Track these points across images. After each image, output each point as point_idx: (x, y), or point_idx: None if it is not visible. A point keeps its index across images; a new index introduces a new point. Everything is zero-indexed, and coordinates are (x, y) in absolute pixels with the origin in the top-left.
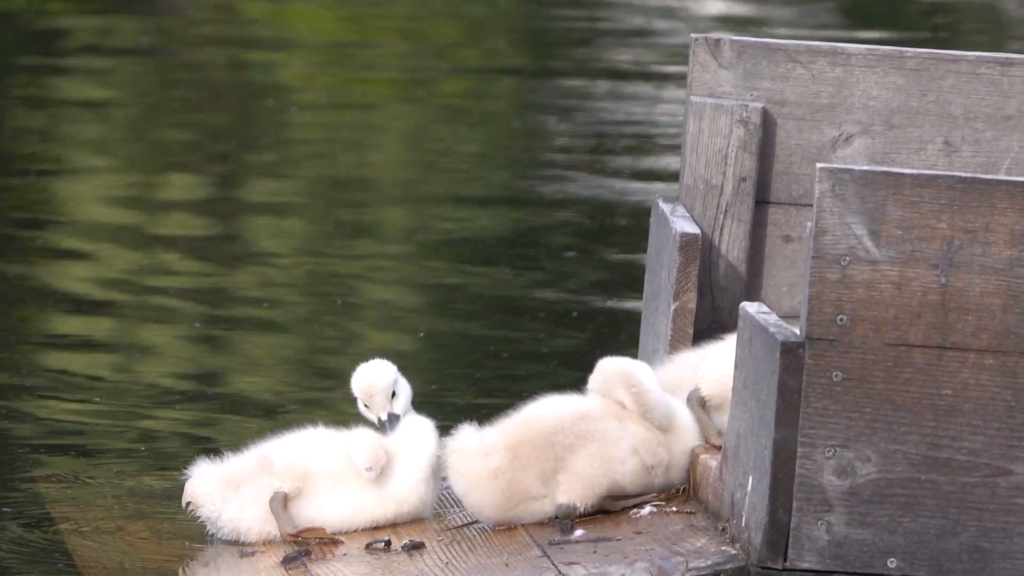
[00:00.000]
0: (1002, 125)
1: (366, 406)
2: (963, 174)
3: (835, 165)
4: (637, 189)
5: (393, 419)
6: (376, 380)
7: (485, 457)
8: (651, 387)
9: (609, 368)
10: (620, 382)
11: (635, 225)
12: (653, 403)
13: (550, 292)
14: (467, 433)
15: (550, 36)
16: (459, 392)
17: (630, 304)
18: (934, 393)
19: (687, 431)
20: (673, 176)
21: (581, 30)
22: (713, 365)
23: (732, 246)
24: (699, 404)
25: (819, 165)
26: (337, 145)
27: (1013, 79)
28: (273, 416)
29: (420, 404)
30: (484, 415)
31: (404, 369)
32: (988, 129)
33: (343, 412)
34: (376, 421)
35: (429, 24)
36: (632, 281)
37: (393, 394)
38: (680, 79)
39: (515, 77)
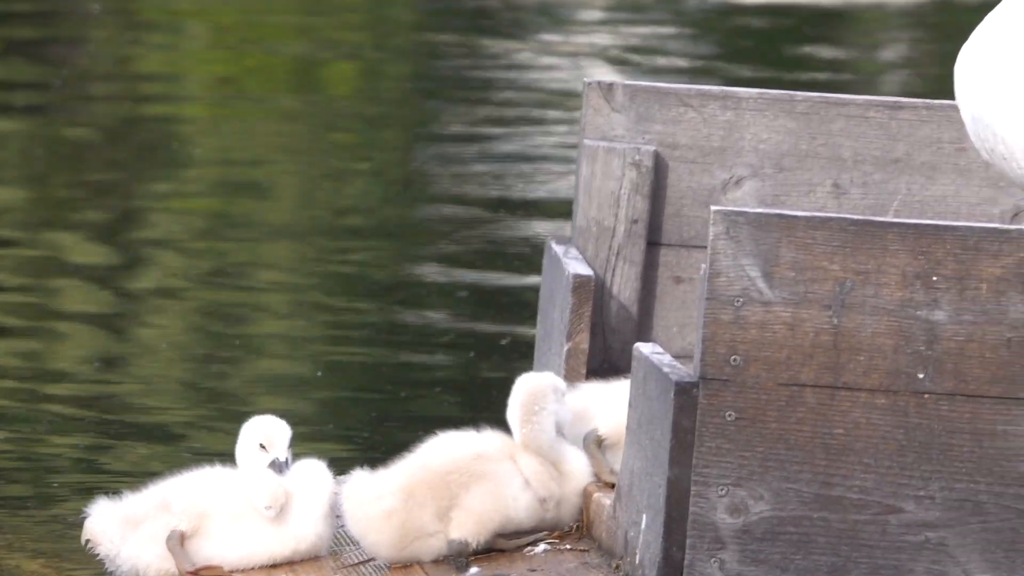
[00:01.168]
0: (890, 168)
1: (262, 447)
2: (855, 216)
3: (729, 207)
4: (529, 229)
5: (287, 461)
6: (275, 425)
7: (377, 500)
8: (564, 409)
9: (535, 381)
10: (543, 395)
11: (528, 265)
12: (560, 422)
13: (445, 327)
14: (359, 478)
15: (443, 71)
16: (355, 426)
17: (524, 341)
18: (826, 432)
19: (579, 468)
20: (565, 215)
21: (475, 67)
22: (612, 404)
23: (624, 287)
24: (596, 443)
25: (713, 208)
26: (229, 187)
27: (901, 122)
28: (170, 446)
29: (317, 437)
30: (380, 449)
31: (301, 401)
32: (877, 172)
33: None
34: (272, 463)
35: (325, 70)
36: (526, 319)
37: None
38: (566, 121)
39: (406, 112)
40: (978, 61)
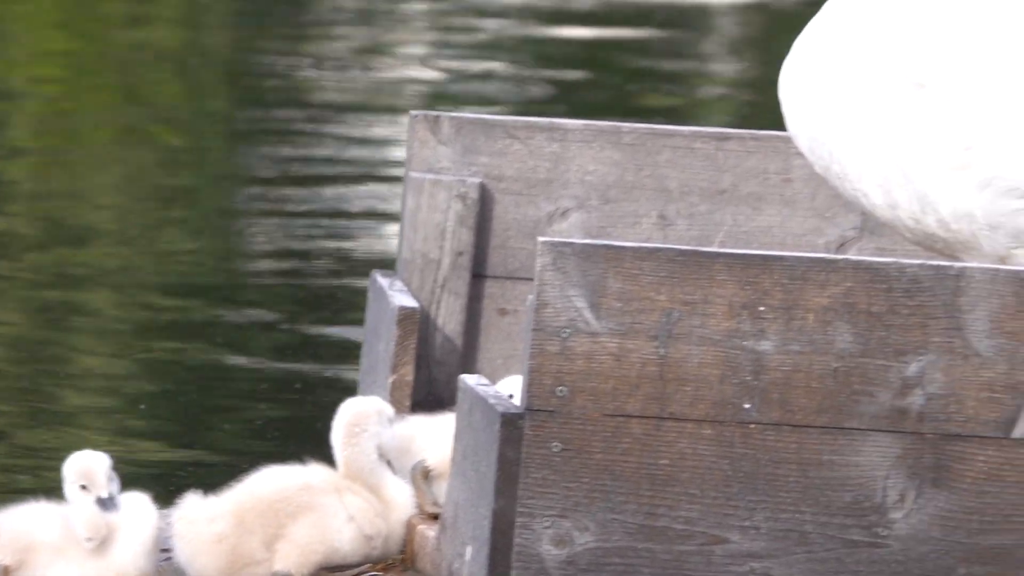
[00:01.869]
0: (716, 199)
1: (83, 487)
2: (682, 247)
3: (556, 239)
4: (353, 261)
5: (112, 497)
6: (95, 462)
7: (210, 523)
8: (387, 433)
9: (358, 404)
10: (365, 417)
11: (353, 301)
12: (383, 446)
13: (269, 365)
14: (192, 501)
15: (266, 97)
16: (178, 462)
17: (348, 376)
18: (651, 463)
19: (401, 497)
20: (387, 248)
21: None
22: (438, 436)
23: (449, 319)
24: (422, 475)
25: (540, 239)
26: (48, 220)
27: (727, 153)
28: None
29: (140, 472)
30: (204, 484)
31: (124, 437)
32: (703, 203)
33: (58, 481)
34: (95, 500)
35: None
36: (350, 354)
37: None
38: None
39: (226, 139)
40: (804, 75)
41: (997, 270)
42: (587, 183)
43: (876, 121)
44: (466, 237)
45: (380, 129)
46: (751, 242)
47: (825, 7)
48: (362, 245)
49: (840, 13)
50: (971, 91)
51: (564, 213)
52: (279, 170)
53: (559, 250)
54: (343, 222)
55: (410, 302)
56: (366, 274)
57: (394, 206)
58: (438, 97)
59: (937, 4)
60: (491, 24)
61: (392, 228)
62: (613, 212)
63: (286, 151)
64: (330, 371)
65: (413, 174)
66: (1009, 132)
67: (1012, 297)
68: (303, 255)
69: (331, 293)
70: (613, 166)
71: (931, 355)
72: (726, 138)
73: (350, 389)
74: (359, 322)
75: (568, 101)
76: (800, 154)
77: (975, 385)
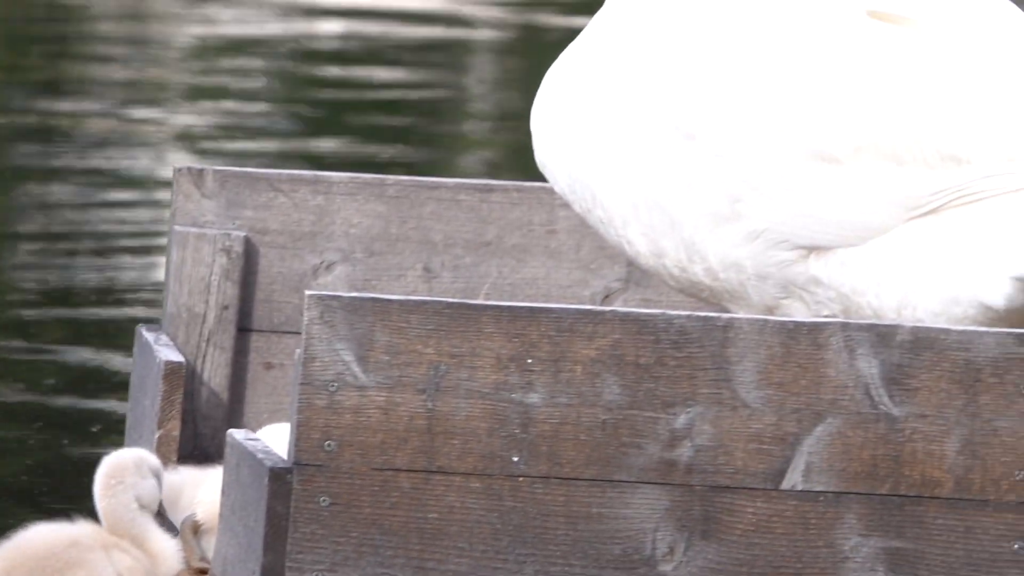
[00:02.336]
0: (481, 251)
1: None
2: (449, 299)
3: (324, 292)
4: (119, 316)
5: None
6: None
7: None
8: (149, 484)
9: (117, 456)
10: (123, 469)
11: (118, 353)
12: (141, 496)
13: (33, 413)
14: None
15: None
16: None
17: (112, 434)
18: (420, 517)
19: (167, 551)
20: (154, 303)
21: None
22: (208, 490)
23: (215, 374)
24: (192, 529)
25: (308, 292)
26: None
27: (492, 205)
28: None
29: None
30: None
31: None
32: (467, 255)
33: None
34: None
35: None
36: (116, 406)
37: None
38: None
39: None
40: (559, 112)
41: (765, 321)
42: (352, 236)
43: (642, 168)
44: (231, 291)
45: (138, 168)
46: (516, 294)
47: (579, 38)
48: (131, 291)
49: (595, 44)
50: (741, 143)
51: (329, 266)
52: (32, 204)
53: (326, 303)
54: (100, 261)
55: (176, 356)
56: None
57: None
58: (200, 136)
59: (698, 47)
60: (252, 63)
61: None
62: (378, 265)
63: (42, 188)
64: (97, 422)
65: (178, 228)
66: (778, 185)
67: (780, 348)
68: (76, 292)
69: (98, 337)
70: (377, 218)
71: (699, 407)
72: (490, 190)
73: (118, 443)
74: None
75: (332, 133)
76: (565, 205)
77: (744, 436)
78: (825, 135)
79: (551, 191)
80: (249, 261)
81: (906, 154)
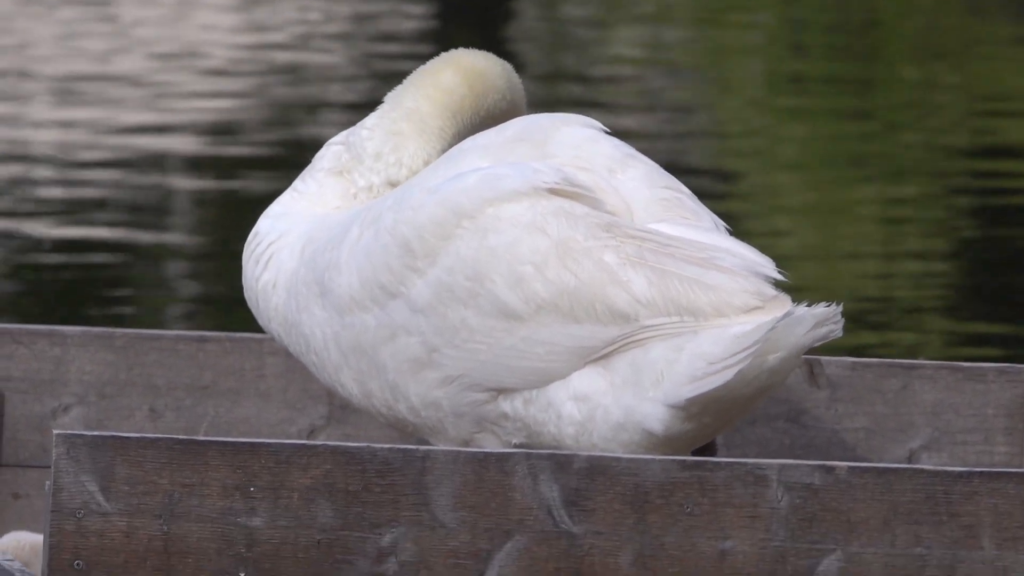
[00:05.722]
0: (199, 393)
1: None
2: (180, 437)
3: (69, 431)
4: None
5: None
6: None
7: None
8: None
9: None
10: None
11: None
12: None
13: None
14: None
15: None
16: None
17: None
18: None
19: None
20: None
21: None
22: None
23: None
24: None
25: (55, 431)
26: None
27: (208, 353)
28: None
29: None
30: None
31: None
32: (188, 397)
33: None
34: None
35: None
36: None
37: None
38: None
39: None
40: (271, 263)
41: (459, 452)
42: (85, 382)
43: (350, 321)
44: None
45: None
46: (231, 431)
47: (284, 194)
48: None
49: (301, 200)
50: (432, 302)
51: (67, 408)
52: None
53: (71, 441)
54: None
55: None
56: None
57: None
58: None
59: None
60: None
61: None
62: (109, 406)
63: None
64: None
65: None
66: (468, 338)
67: (472, 475)
68: None
69: None
70: (107, 366)
71: (402, 527)
72: (206, 340)
73: None
74: None
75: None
76: (273, 352)
77: (443, 553)
78: (509, 295)
79: (260, 340)
80: None
81: (581, 313)
